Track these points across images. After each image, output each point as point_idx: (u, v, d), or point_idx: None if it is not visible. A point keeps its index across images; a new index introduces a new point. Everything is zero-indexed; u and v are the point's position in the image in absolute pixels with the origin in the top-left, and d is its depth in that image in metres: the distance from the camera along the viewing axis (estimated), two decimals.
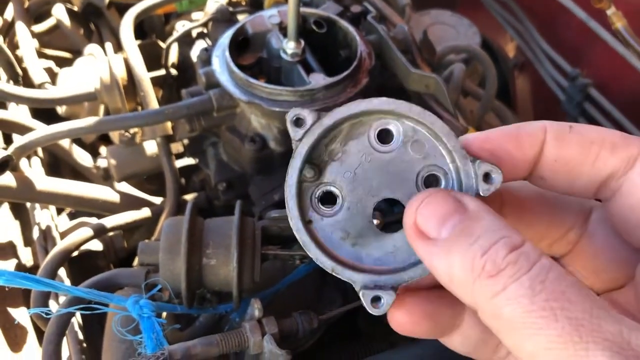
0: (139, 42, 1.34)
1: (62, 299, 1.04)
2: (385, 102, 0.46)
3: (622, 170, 0.45)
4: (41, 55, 1.61)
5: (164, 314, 1.09)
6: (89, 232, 1.08)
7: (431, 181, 0.48)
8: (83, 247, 1.18)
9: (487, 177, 0.45)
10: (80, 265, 1.20)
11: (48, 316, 0.87)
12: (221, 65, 1.11)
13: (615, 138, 0.46)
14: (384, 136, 0.48)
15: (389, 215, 0.87)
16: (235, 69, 1.07)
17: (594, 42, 1.59)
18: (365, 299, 0.46)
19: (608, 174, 0.46)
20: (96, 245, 1.23)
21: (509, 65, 2.02)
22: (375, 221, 0.49)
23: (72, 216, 1.38)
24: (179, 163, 1.39)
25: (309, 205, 0.48)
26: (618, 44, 1.47)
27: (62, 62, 1.61)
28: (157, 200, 1.29)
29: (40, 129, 1.09)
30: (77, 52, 1.60)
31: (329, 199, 0.49)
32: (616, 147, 0.45)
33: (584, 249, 0.51)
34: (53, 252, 1.02)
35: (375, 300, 0.46)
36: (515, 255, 0.38)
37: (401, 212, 0.47)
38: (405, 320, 0.48)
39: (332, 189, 0.48)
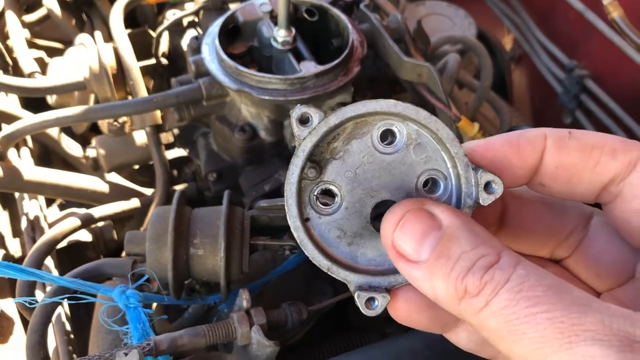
0: (129, 31, 1.33)
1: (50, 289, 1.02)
2: (393, 104, 0.46)
3: (622, 174, 0.46)
4: (32, 45, 1.59)
5: (154, 306, 1.08)
6: (77, 221, 1.06)
7: (430, 185, 0.49)
8: (72, 239, 1.17)
9: (487, 186, 0.46)
10: (69, 256, 1.19)
11: (32, 306, 0.86)
12: (211, 54, 1.10)
13: (615, 143, 0.46)
14: (387, 137, 0.48)
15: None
16: (224, 57, 1.06)
17: (591, 34, 1.57)
18: (359, 300, 0.46)
19: (609, 179, 0.47)
20: (85, 237, 1.21)
21: (505, 58, 2.00)
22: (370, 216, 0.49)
23: (62, 207, 1.37)
24: (171, 154, 1.37)
25: (307, 203, 0.48)
26: (615, 35, 1.46)
27: (53, 53, 1.60)
28: (148, 191, 1.28)
29: (28, 118, 1.08)
30: (69, 43, 1.58)
31: (327, 197, 0.49)
32: (616, 151, 0.46)
33: (585, 252, 0.52)
34: (39, 241, 1.00)
35: (369, 301, 0.47)
36: (491, 272, 0.40)
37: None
38: (402, 307, 0.48)
39: (332, 187, 0.48)
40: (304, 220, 0.48)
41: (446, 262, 0.42)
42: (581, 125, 1.65)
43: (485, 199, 0.46)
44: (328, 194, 0.48)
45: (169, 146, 1.32)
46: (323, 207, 0.48)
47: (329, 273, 0.48)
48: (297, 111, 0.45)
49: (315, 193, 0.48)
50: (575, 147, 0.47)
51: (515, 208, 0.52)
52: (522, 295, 0.39)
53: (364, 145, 0.47)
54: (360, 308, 0.46)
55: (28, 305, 0.84)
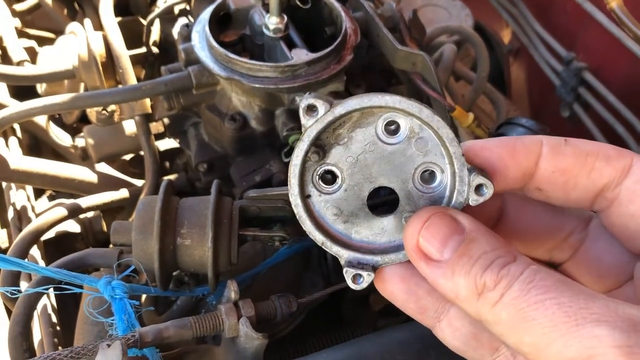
0: (119, 19, 1.31)
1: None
2: (398, 100, 0.48)
3: (617, 179, 0.48)
4: (23, 34, 1.57)
5: (143, 298, 1.06)
6: (63, 211, 1.04)
7: (427, 176, 0.51)
8: (60, 230, 1.16)
9: (478, 188, 0.49)
10: (57, 247, 1.17)
11: (15, 296, 0.84)
12: (201, 41, 1.08)
13: (609, 150, 0.49)
14: (391, 128, 0.50)
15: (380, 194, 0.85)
16: (214, 44, 1.04)
17: (589, 25, 1.55)
18: (347, 275, 0.51)
19: (604, 184, 0.48)
20: (74, 228, 1.20)
21: (503, 51, 1.98)
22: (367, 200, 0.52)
23: (51, 198, 1.35)
24: (163, 146, 1.35)
25: (310, 181, 0.51)
26: (613, 26, 1.44)
27: (44, 42, 1.58)
28: (139, 182, 1.26)
29: (14, 105, 1.06)
30: (60, 32, 1.56)
31: (329, 177, 0.52)
32: (610, 158, 0.48)
33: (586, 253, 0.53)
34: (24, 231, 0.99)
35: (356, 277, 0.51)
36: (507, 268, 0.43)
37: (389, 194, 0.52)
38: (386, 283, 0.51)
39: (334, 169, 0.51)
40: (305, 197, 0.51)
41: (468, 260, 0.45)
42: (579, 119, 1.63)
43: (475, 200, 0.49)
44: (330, 174, 0.52)
45: (160, 136, 1.30)
46: (324, 186, 0.51)
47: (322, 247, 0.51)
48: (304, 101, 0.48)
49: (319, 173, 0.51)
50: (571, 153, 0.49)
51: (514, 206, 0.54)
52: (532, 285, 0.41)
53: (368, 134, 0.50)
54: (347, 281, 0.51)
55: (10, 296, 0.82)
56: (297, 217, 0.51)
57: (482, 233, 0.46)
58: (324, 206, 0.52)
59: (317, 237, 0.51)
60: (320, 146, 0.50)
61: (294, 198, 0.51)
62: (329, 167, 0.51)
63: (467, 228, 0.46)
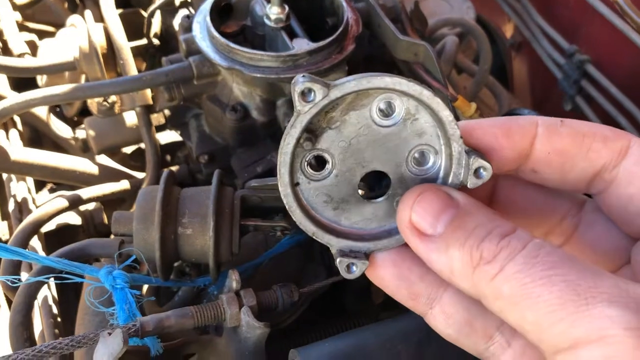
0: (120, 11, 1.30)
1: None
2: (398, 82, 0.45)
3: (614, 161, 0.47)
4: (24, 28, 1.57)
5: (145, 288, 1.06)
6: (64, 202, 1.04)
7: (421, 158, 0.49)
8: (61, 222, 1.15)
9: (477, 171, 0.47)
10: (58, 239, 1.17)
11: (15, 285, 0.84)
12: (202, 32, 1.07)
13: (605, 131, 0.47)
14: (386, 111, 0.48)
15: (375, 188, 0.84)
16: (215, 34, 1.03)
17: (592, 17, 1.54)
18: (340, 265, 0.49)
19: (601, 166, 0.47)
20: (74, 220, 1.19)
21: (505, 45, 1.97)
22: (360, 191, 0.50)
23: (52, 191, 1.35)
24: (164, 139, 1.35)
25: (299, 168, 0.49)
26: (616, 17, 1.43)
27: (45, 36, 1.57)
28: (140, 175, 1.25)
29: (14, 96, 1.05)
30: (61, 26, 1.55)
31: (319, 163, 0.49)
32: (607, 139, 0.47)
33: (580, 238, 0.52)
34: (25, 221, 0.98)
35: (349, 266, 0.49)
36: (508, 239, 0.41)
37: (386, 186, 0.50)
38: (377, 270, 0.50)
39: (324, 155, 0.49)
40: (294, 186, 0.49)
41: (462, 233, 0.43)
42: (581, 112, 1.62)
43: (473, 184, 0.47)
44: (320, 161, 0.49)
45: (161, 128, 1.30)
46: (314, 173, 0.49)
47: (313, 237, 0.49)
48: (299, 85, 0.44)
49: (308, 159, 0.48)
50: (567, 134, 0.47)
51: (506, 188, 0.53)
52: (538, 260, 0.39)
53: (362, 117, 0.47)
54: (340, 271, 0.49)
55: (11, 285, 0.82)
56: (287, 207, 0.49)
57: (477, 206, 0.45)
58: (313, 193, 0.49)
59: (308, 227, 0.49)
60: (311, 131, 0.47)
61: (283, 188, 0.48)
62: (320, 153, 0.48)
63: (462, 202, 0.45)
